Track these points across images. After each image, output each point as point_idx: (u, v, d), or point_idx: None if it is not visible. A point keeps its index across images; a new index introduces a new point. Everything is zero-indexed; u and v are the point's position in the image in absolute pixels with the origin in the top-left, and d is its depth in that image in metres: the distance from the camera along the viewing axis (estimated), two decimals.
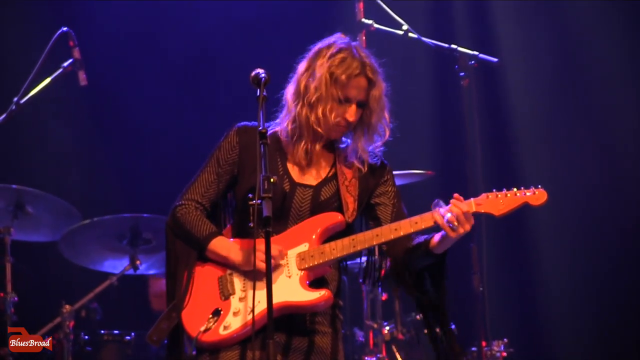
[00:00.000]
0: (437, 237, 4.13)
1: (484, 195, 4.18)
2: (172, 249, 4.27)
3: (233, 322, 4.10)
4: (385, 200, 4.32)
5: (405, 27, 6.56)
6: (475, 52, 6.44)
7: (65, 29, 6.04)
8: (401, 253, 4.23)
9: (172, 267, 4.25)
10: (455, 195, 4.10)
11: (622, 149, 8.30)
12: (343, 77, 4.14)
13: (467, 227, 4.05)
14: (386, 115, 4.26)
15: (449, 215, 4.03)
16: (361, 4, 6.70)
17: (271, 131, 4.30)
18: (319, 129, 4.19)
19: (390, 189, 4.35)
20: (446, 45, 6.52)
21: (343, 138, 4.34)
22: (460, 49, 6.44)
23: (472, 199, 4.15)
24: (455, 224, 4.03)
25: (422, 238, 4.18)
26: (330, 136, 4.26)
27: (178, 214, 4.26)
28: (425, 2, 8.59)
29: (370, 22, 6.62)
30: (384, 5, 6.59)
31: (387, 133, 4.28)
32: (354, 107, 4.19)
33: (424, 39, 6.57)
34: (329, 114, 4.16)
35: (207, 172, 4.30)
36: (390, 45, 6.96)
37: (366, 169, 4.29)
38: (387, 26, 6.62)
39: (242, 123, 4.32)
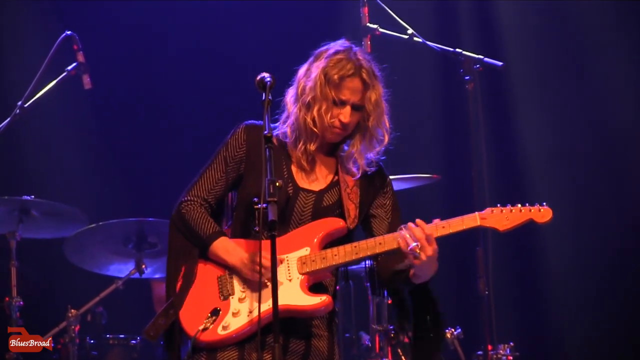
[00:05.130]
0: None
1: (488, 209, 4.20)
2: (174, 245, 4.26)
3: (232, 323, 4.10)
4: (382, 213, 4.32)
5: (410, 31, 6.56)
6: (480, 56, 6.44)
7: (69, 32, 6.04)
8: (389, 273, 4.25)
9: (173, 263, 4.25)
10: (418, 220, 4.09)
11: (629, 153, 8.28)
12: (336, 77, 4.13)
13: (429, 252, 4.03)
14: (386, 120, 4.25)
15: (413, 244, 4.03)
16: (366, 9, 6.69)
17: (275, 133, 4.29)
18: (315, 129, 4.19)
19: (388, 202, 4.34)
20: (451, 49, 6.51)
21: (345, 146, 4.33)
22: (465, 52, 6.44)
23: (476, 212, 4.19)
24: (417, 251, 4.03)
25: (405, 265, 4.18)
26: (325, 138, 4.24)
27: (183, 210, 4.26)
28: (430, 6, 8.59)
29: (375, 26, 6.61)
30: (389, 10, 6.59)
31: (387, 139, 4.26)
32: (348, 108, 4.17)
33: (428, 43, 6.56)
34: (324, 115, 4.15)
35: (213, 169, 4.29)
36: (395, 49, 6.95)
37: (360, 175, 4.27)
38: (392, 30, 6.61)
39: (249, 121, 4.32)
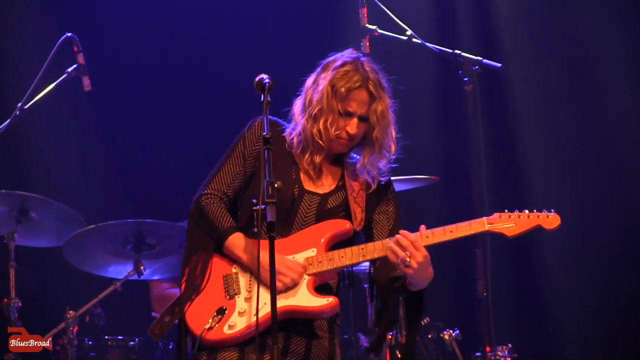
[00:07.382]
0: None
1: (496, 214, 4.20)
2: (191, 238, 4.24)
3: (238, 322, 4.11)
4: (384, 219, 4.34)
5: (409, 32, 6.55)
6: (479, 58, 6.43)
7: (69, 34, 6.04)
8: (385, 279, 4.26)
9: (189, 256, 4.22)
10: (401, 231, 4.11)
11: (629, 155, 8.28)
12: (343, 89, 4.16)
13: (419, 257, 4.04)
14: (392, 130, 4.27)
15: (402, 253, 4.05)
16: (365, 10, 6.68)
17: (285, 135, 4.31)
18: (321, 142, 4.21)
19: (390, 209, 4.36)
20: (450, 50, 6.49)
21: (352, 154, 4.35)
22: (464, 54, 6.43)
23: (484, 217, 4.19)
24: (407, 260, 4.04)
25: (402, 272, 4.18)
26: (331, 149, 4.27)
27: (203, 202, 4.24)
28: (429, 8, 8.59)
29: (374, 27, 6.60)
30: (388, 11, 6.59)
31: (393, 149, 4.28)
32: (355, 120, 4.19)
33: (427, 44, 6.55)
34: (330, 127, 4.18)
35: (231, 163, 4.28)
36: (394, 50, 6.94)
37: (375, 185, 4.29)
38: (391, 31, 6.60)
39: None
